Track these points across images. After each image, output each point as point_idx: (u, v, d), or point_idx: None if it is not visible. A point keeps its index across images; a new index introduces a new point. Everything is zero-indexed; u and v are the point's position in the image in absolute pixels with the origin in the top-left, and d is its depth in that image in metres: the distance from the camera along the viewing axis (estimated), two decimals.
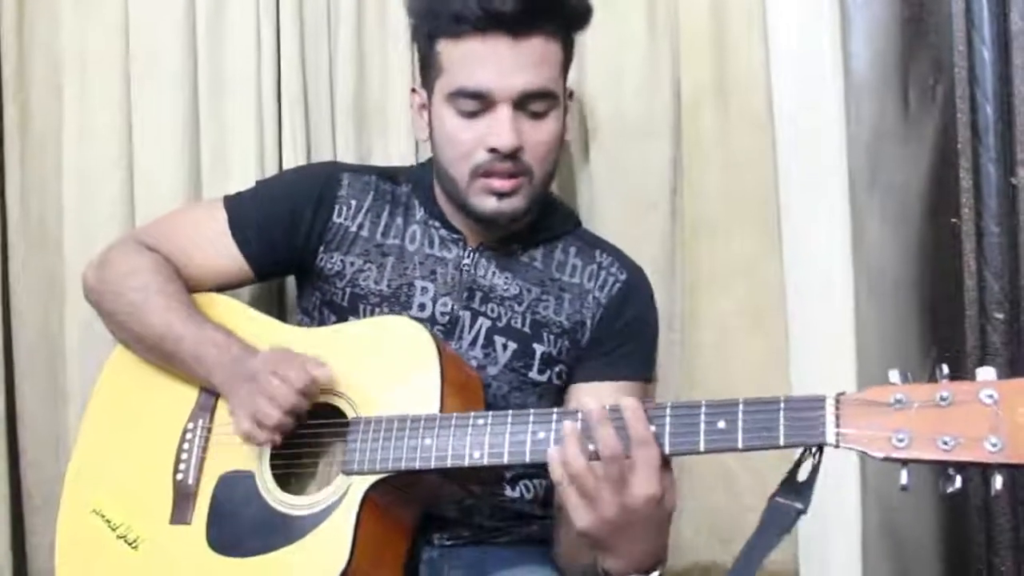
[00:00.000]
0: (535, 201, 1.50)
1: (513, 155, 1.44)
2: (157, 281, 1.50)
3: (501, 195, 1.46)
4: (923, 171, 1.47)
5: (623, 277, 1.58)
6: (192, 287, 1.54)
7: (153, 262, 1.53)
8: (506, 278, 1.54)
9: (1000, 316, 1.32)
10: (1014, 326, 1.31)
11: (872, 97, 1.70)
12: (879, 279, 1.69)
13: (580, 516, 1.18)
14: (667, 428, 1.18)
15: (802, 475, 1.15)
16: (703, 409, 1.17)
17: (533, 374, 1.52)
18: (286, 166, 1.80)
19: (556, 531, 1.52)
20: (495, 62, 1.42)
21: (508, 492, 1.53)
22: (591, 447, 1.17)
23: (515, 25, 1.42)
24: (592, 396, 1.48)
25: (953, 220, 1.35)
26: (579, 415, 1.21)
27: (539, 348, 1.53)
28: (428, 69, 1.50)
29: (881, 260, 1.67)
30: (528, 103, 1.45)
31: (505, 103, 1.43)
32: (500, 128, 1.43)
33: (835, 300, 1.75)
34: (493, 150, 1.44)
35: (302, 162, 1.80)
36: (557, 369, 1.54)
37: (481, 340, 1.52)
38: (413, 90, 1.57)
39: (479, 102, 1.44)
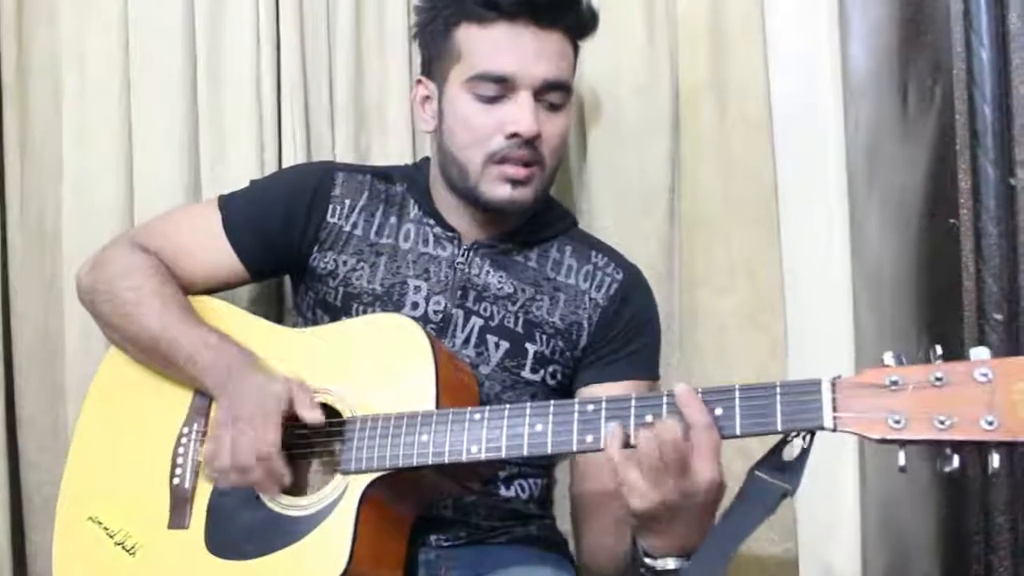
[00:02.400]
0: (542, 194, 1.52)
1: (531, 142, 1.45)
2: (151, 282, 1.50)
3: (515, 183, 1.46)
4: (921, 171, 1.47)
5: (619, 277, 1.59)
6: (187, 287, 1.54)
7: (147, 263, 1.52)
8: (500, 277, 1.55)
9: (999, 317, 1.31)
10: (1012, 326, 1.31)
11: (870, 97, 1.70)
12: (877, 279, 1.69)
13: (639, 496, 1.16)
14: (664, 416, 1.18)
15: (789, 454, 1.15)
16: (700, 396, 1.17)
17: (526, 373, 1.52)
18: (285, 165, 1.81)
19: (583, 527, 1.51)
20: (520, 49, 1.45)
21: (503, 492, 1.53)
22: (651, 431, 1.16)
23: (542, 15, 1.45)
24: (604, 395, 1.49)
25: (951, 221, 1.35)
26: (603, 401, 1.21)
27: (532, 347, 1.53)
28: (441, 58, 1.51)
29: (879, 260, 1.68)
30: (546, 93, 1.46)
31: (527, 90, 1.45)
32: (522, 113, 1.44)
33: (833, 300, 1.76)
34: (514, 135, 1.44)
35: (301, 161, 1.80)
36: (551, 369, 1.54)
37: (474, 339, 1.52)
38: (419, 81, 1.57)
39: (501, 87, 1.45)
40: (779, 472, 1.14)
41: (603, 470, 1.43)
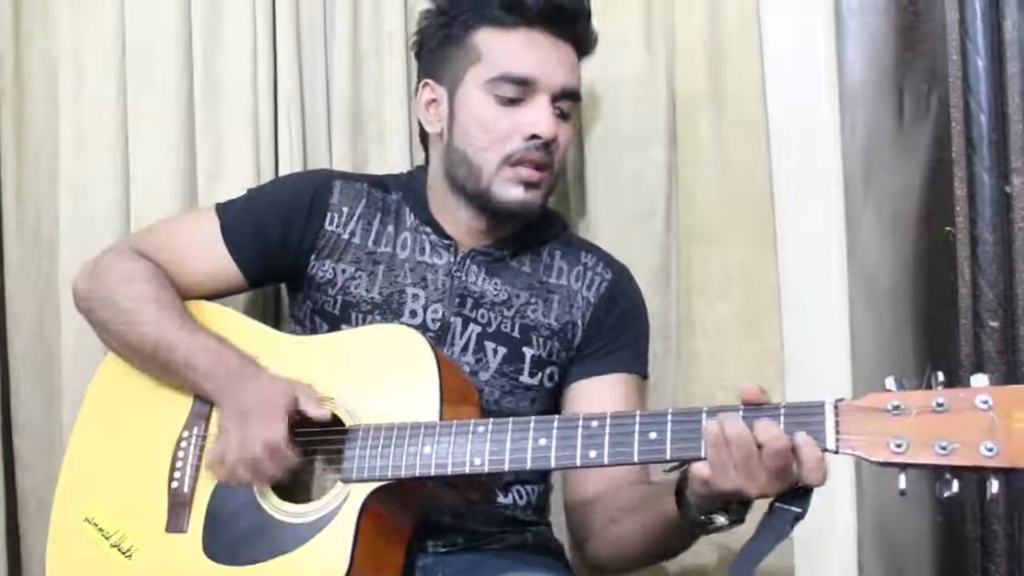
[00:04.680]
0: (547, 200, 1.54)
1: (547, 146, 1.48)
2: (151, 289, 1.49)
3: (528, 185, 1.49)
4: (917, 179, 1.47)
5: (608, 276, 1.61)
6: (184, 294, 1.54)
7: (146, 270, 1.52)
8: (495, 284, 1.55)
9: (994, 324, 1.32)
10: (1008, 334, 1.31)
11: (867, 105, 1.71)
12: (874, 286, 1.69)
13: (728, 478, 1.15)
14: (668, 434, 1.19)
15: None
16: (704, 415, 1.18)
17: (524, 377, 1.53)
18: (282, 173, 1.81)
19: (592, 518, 1.48)
20: (542, 55, 1.49)
21: (501, 498, 1.53)
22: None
23: (560, 25, 1.50)
24: (595, 390, 1.53)
25: (947, 228, 1.36)
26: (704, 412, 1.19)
27: (529, 351, 1.53)
28: (455, 59, 1.52)
29: (876, 267, 1.68)
30: (560, 101, 1.50)
31: (545, 95, 1.48)
32: (542, 116, 1.47)
33: (830, 307, 1.76)
34: (534, 137, 1.47)
35: (298, 168, 1.80)
36: (548, 371, 1.55)
37: (472, 346, 1.52)
38: (425, 84, 1.57)
39: (522, 89, 1.48)
40: (791, 497, 1.16)
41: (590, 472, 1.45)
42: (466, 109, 1.50)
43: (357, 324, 1.52)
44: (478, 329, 1.53)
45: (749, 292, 1.76)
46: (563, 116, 1.52)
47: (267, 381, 1.38)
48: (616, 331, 1.58)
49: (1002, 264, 1.32)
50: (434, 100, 1.56)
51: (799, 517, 1.16)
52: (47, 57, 1.87)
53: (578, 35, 1.54)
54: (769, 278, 1.76)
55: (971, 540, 1.33)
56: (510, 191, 1.49)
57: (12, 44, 1.87)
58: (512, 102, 1.48)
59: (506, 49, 1.49)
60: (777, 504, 1.17)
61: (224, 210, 1.59)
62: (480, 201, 1.51)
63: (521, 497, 1.54)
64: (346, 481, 1.32)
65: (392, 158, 1.81)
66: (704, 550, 1.73)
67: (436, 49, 1.56)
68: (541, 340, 1.54)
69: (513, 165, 1.48)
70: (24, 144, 1.88)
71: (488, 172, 1.49)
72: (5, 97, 1.88)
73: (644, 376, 1.61)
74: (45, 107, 1.87)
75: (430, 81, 1.57)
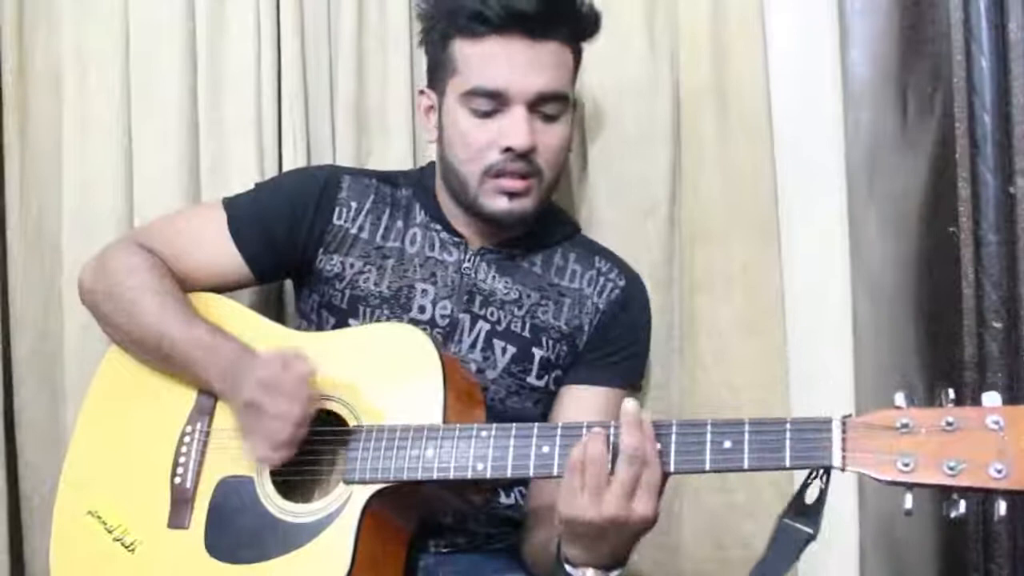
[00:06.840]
0: (542, 203, 1.52)
1: (526, 156, 1.45)
2: (153, 282, 1.49)
3: (512, 195, 1.47)
4: (921, 179, 1.47)
5: (622, 284, 1.59)
6: (189, 288, 1.54)
7: (149, 263, 1.52)
8: (506, 282, 1.55)
9: (998, 325, 1.32)
10: (1012, 335, 1.31)
11: (871, 105, 1.70)
12: (877, 287, 1.69)
13: (575, 504, 1.17)
14: (672, 446, 1.18)
15: (809, 497, 1.14)
16: (709, 428, 1.17)
17: (531, 379, 1.53)
18: (286, 169, 1.80)
19: (530, 527, 1.51)
20: (512, 63, 1.44)
21: (502, 499, 1.53)
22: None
23: (534, 27, 1.44)
24: (578, 399, 1.53)
25: (951, 229, 1.35)
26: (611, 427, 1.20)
27: (538, 353, 1.53)
28: (439, 70, 1.51)
29: (879, 268, 1.68)
30: (542, 105, 1.46)
31: (520, 104, 1.44)
32: (516, 128, 1.44)
33: (833, 306, 1.76)
34: (508, 150, 1.45)
35: (302, 165, 1.80)
36: (555, 374, 1.54)
37: (480, 343, 1.52)
38: (422, 91, 1.57)
39: (495, 102, 1.45)
40: (803, 517, 1.14)
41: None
42: (449, 121, 1.49)
43: (365, 318, 1.52)
44: (487, 327, 1.52)
45: (753, 291, 1.76)
46: (549, 118, 1.48)
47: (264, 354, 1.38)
48: (620, 342, 1.57)
49: (1006, 265, 1.32)
50: (431, 107, 1.55)
51: (810, 539, 1.13)
52: (51, 53, 1.86)
53: (562, 32, 1.48)
54: (773, 277, 1.76)
55: (973, 542, 1.33)
56: (495, 202, 1.48)
57: (16, 41, 1.87)
58: (488, 114, 1.46)
59: (476, 61, 1.45)
60: (785, 521, 1.15)
61: (231, 204, 1.59)
62: (471, 210, 1.51)
63: (523, 498, 1.54)
64: (348, 482, 1.32)
65: (395, 155, 1.81)
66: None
67: (428, 55, 1.56)
68: (551, 342, 1.54)
69: (495, 177, 1.46)
70: (28, 141, 1.87)
71: (472, 185, 1.48)
72: (9, 94, 1.87)
73: (638, 388, 1.61)
74: (49, 104, 1.86)
75: (425, 89, 1.56)
